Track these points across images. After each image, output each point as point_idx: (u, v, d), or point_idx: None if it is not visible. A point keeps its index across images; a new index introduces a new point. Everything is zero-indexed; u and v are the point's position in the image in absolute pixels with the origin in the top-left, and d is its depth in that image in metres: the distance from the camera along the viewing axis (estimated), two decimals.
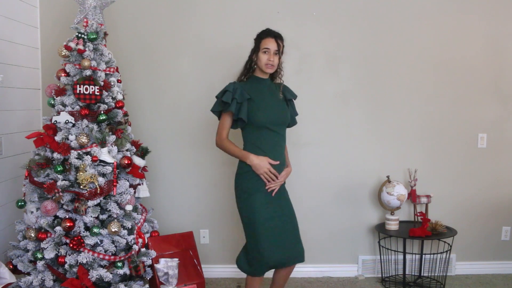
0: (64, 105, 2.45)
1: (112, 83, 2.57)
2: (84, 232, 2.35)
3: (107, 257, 2.36)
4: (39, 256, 2.35)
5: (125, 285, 2.38)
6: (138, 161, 2.67)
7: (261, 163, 2.42)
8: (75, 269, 2.30)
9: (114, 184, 2.41)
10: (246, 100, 2.46)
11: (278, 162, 2.45)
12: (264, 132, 2.46)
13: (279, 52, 2.49)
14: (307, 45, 3.29)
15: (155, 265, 2.62)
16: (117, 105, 2.60)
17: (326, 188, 3.40)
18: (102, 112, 2.48)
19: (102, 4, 2.61)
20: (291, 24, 3.27)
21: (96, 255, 2.34)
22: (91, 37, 2.48)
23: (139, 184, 2.70)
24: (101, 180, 2.36)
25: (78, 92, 2.42)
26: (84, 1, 2.54)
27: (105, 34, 2.65)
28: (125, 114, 2.71)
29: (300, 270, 3.39)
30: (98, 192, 2.35)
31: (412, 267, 3.44)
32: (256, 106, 2.45)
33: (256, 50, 2.51)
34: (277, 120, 2.48)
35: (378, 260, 3.41)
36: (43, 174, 2.40)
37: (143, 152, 2.81)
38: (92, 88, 2.44)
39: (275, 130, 2.47)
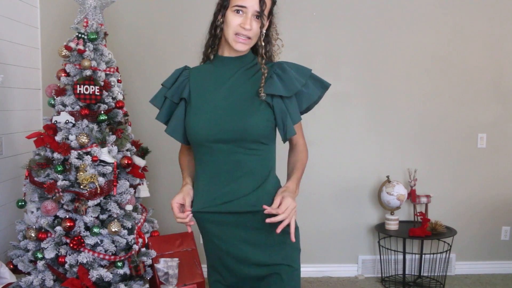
0: (64, 105, 2.46)
1: (112, 83, 2.58)
2: (84, 232, 2.35)
3: (107, 257, 2.36)
4: (40, 256, 2.35)
5: (125, 285, 2.38)
6: (138, 161, 2.67)
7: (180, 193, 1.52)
8: (75, 269, 2.30)
9: (114, 184, 2.41)
10: (180, 101, 1.56)
11: (187, 213, 1.48)
12: (206, 154, 1.48)
13: (261, 16, 1.46)
14: (307, 45, 3.29)
15: (155, 265, 2.62)
16: (117, 105, 2.60)
17: (326, 188, 3.40)
18: (102, 112, 2.48)
19: (102, 4, 2.61)
20: (291, 24, 3.27)
21: (96, 255, 2.34)
22: (91, 37, 2.48)
23: (139, 184, 2.70)
24: (101, 180, 2.36)
25: (78, 92, 2.42)
26: (84, 1, 2.54)
27: (105, 34, 2.65)
28: (125, 114, 2.71)
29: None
30: (98, 192, 2.35)
31: (412, 267, 3.45)
32: (193, 110, 1.50)
33: (223, 5, 1.49)
34: (221, 131, 1.44)
35: (378, 260, 3.41)
36: (43, 174, 2.40)
37: (143, 152, 2.82)
38: (92, 88, 2.44)
39: (225, 150, 1.45)
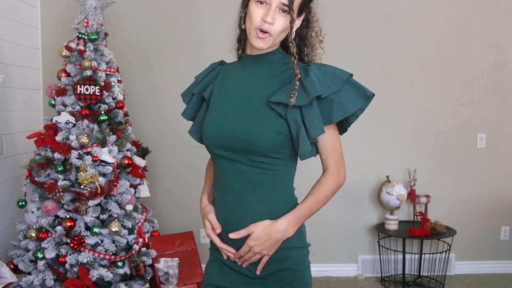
0: (65, 105, 2.46)
1: (112, 83, 2.58)
2: (84, 231, 2.36)
3: (107, 257, 2.37)
4: (40, 255, 2.35)
5: (126, 285, 2.39)
6: (138, 161, 2.67)
7: (201, 214, 1.42)
8: (75, 269, 2.30)
9: (115, 184, 2.42)
10: (202, 101, 1.45)
11: (219, 231, 1.34)
12: (216, 161, 1.38)
13: (291, 10, 1.26)
14: None
15: (155, 264, 2.63)
16: (118, 105, 2.61)
17: None
18: (102, 112, 2.49)
19: (103, 4, 2.61)
20: None
21: (96, 254, 2.34)
22: (92, 37, 2.48)
23: (139, 184, 2.70)
24: (102, 180, 2.37)
25: (78, 92, 2.42)
26: (84, 2, 2.54)
27: (106, 34, 2.65)
28: (126, 114, 2.71)
29: None
30: (99, 192, 2.36)
31: (411, 266, 3.45)
32: (209, 112, 1.39)
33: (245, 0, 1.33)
34: (226, 139, 1.30)
35: (378, 260, 3.42)
36: (44, 174, 2.40)
37: (143, 152, 2.82)
38: (92, 88, 2.44)
39: (231, 158, 1.31)
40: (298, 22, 1.33)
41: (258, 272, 1.32)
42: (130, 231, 2.50)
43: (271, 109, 1.27)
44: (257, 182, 1.30)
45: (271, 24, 1.25)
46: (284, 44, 1.36)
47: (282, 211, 1.30)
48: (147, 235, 2.66)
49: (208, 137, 1.34)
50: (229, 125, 1.30)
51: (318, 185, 1.36)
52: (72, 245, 2.31)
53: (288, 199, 1.35)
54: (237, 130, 1.28)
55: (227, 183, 1.33)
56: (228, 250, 1.33)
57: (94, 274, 2.29)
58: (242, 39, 1.40)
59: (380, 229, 3.27)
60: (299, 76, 1.26)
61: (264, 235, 1.27)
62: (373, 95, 1.33)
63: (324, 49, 1.41)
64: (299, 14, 1.31)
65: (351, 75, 1.32)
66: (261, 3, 1.26)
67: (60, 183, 2.33)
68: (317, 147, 1.34)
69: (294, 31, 1.30)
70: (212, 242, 1.41)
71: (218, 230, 1.33)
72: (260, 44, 1.28)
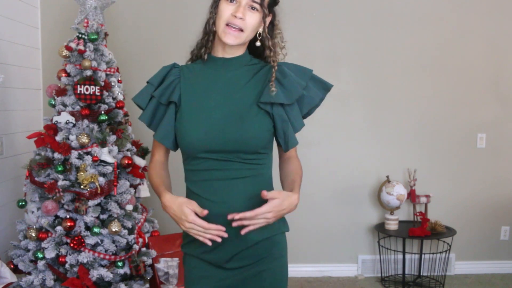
0: (65, 105, 2.46)
1: (112, 83, 2.58)
2: (84, 231, 2.36)
3: (107, 257, 2.37)
4: (40, 255, 2.35)
5: (126, 285, 2.39)
6: (138, 161, 2.67)
7: (175, 208, 1.30)
8: (75, 269, 2.30)
9: (115, 184, 2.42)
10: (169, 104, 1.42)
11: (206, 212, 1.27)
12: (198, 163, 1.37)
13: (263, 7, 1.33)
14: (307, 45, 3.29)
15: (155, 264, 2.63)
16: (118, 105, 2.61)
17: (326, 188, 3.41)
18: (102, 112, 2.49)
19: (103, 4, 2.61)
20: (291, 24, 3.27)
21: (96, 254, 2.34)
22: (92, 37, 2.48)
23: (139, 184, 2.70)
24: (102, 180, 2.37)
25: (78, 92, 2.42)
26: (84, 2, 2.54)
27: (106, 34, 2.65)
28: (126, 114, 2.71)
29: (299, 270, 3.40)
30: (99, 192, 2.36)
31: (411, 266, 3.45)
32: (184, 116, 1.38)
33: None
34: (217, 142, 1.33)
35: (378, 260, 3.42)
36: (44, 174, 2.40)
37: (143, 152, 2.82)
38: (92, 89, 2.44)
39: (218, 159, 1.34)
40: (267, 21, 1.38)
41: (243, 232, 1.26)
42: (130, 231, 2.50)
43: (259, 109, 1.34)
44: (245, 175, 1.35)
45: (242, 20, 1.30)
46: (248, 46, 1.43)
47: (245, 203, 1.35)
48: (147, 235, 2.66)
49: (193, 142, 1.34)
50: (219, 128, 1.32)
51: (297, 166, 1.45)
52: (72, 245, 2.31)
53: (270, 185, 1.43)
54: (230, 132, 1.31)
55: (214, 181, 1.35)
56: (218, 229, 1.26)
57: (94, 274, 2.29)
58: (209, 42, 1.41)
59: (380, 229, 3.27)
60: (275, 71, 1.35)
61: (286, 204, 1.28)
62: (332, 86, 1.44)
63: (284, 55, 1.45)
64: (267, 15, 1.37)
65: (312, 70, 1.43)
66: (231, 1, 1.32)
67: (60, 183, 2.33)
68: None
69: (266, 26, 1.36)
70: (186, 245, 1.43)
71: (205, 212, 1.27)
72: (231, 39, 1.32)
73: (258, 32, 1.38)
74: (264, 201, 1.27)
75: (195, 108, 1.37)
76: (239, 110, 1.34)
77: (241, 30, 1.32)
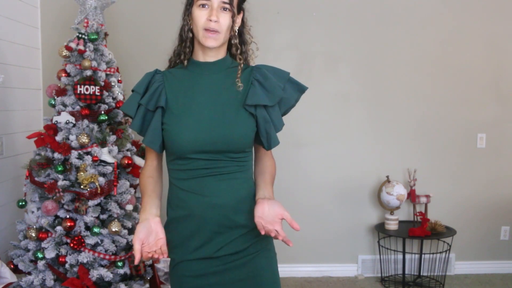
0: (65, 105, 2.46)
1: (112, 83, 2.58)
2: (84, 231, 2.36)
3: (107, 257, 2.37)
4: (40, 255, 2.35)
5: (126, 285, 2.39)
6: (138, 161, 2.68)
7: (139, 230, 1.44)
8: (75, 269, 2.30)
9: (115, 184, 2.42)
10: (156, 109, 1.45)
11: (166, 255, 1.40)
12: (188, 163, 1.45)
13: (232, 6, 1.40)
14: (307, 45, 3.29)
15: (155, 264, 2.63)
16: (118, 105, 2.61)
17: (326, 188, 3.41)
18: (102, 112, 2.49)
19: (103, 4, 2.61)
20: (291, 24, 3.27)
21: (96, 254, 2.34)
22: (92, 37, 2.48)
23: (139, 184, 2.70)
24: (102, 180, 2.37)
25: (78, 92, 2.42)
26: (84, 2, 2.54)
27: (106, 34, 2.65)
28: (126, 114, 2.71)
29: (299, 270, 3.40)
30: (99, 192, 2.36)
31: (411, 266, 3.45)
32: (173, 119, 1.43)
33: (189, 3, 1.45)
34: (207, 142, 1.40)
35: (378, 260, 3.42)
36: (44, 174, 2.40)
37: (143, 152, 2.82)
38: (92, 88, 2.44)
39: (208, 158, 1.42)
40: (238, 20, 1.46)
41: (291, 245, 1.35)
42: (130, 231, 2.50)
43: (245, 110, 1.42)
44: (232, 171, 1.44)
45: (217, 22, 1.37)
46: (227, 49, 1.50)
47: (252, 189, 1.48)
48: None
49: (184, 144, 1.41)
50: (208, 130, 1.39)
51: (271, 168, 1.53)
52: (72, 245, 2.31)
53: (251, 180, 1.52)
54: (218, 134, 1.39)
55: (203, 177, 1.43)
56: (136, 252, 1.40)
57: (94, 274, 2.29)
58: (188, 48, 1.47)
59: (380, 229, 3.27)
60: (241, 66, 1.45)
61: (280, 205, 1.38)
62: (307, 88, 1.51)
63: (255, 49, 1.53)
64: (238, 12, 1.44)
65: (289, 73, 1.50)
66: (203, 6, 1.38)
67: (60, 183, 2.33)
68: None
69: (237, 26, 1.44)
70: (173, 250, 1.56)
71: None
72: (212, 42, 1.39)
73: (234, 30, 1.45)
74: (252, 198, 1.45)
75: (183, 111, 1.43)
76: (225, 112, 1.41)
77: (216, 31, 1.39)
